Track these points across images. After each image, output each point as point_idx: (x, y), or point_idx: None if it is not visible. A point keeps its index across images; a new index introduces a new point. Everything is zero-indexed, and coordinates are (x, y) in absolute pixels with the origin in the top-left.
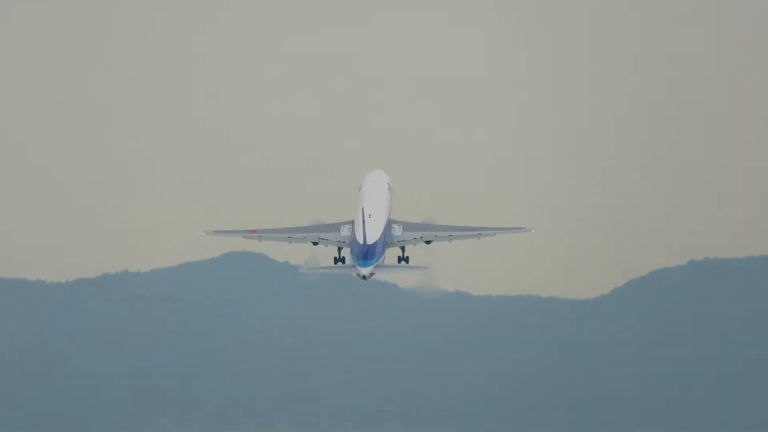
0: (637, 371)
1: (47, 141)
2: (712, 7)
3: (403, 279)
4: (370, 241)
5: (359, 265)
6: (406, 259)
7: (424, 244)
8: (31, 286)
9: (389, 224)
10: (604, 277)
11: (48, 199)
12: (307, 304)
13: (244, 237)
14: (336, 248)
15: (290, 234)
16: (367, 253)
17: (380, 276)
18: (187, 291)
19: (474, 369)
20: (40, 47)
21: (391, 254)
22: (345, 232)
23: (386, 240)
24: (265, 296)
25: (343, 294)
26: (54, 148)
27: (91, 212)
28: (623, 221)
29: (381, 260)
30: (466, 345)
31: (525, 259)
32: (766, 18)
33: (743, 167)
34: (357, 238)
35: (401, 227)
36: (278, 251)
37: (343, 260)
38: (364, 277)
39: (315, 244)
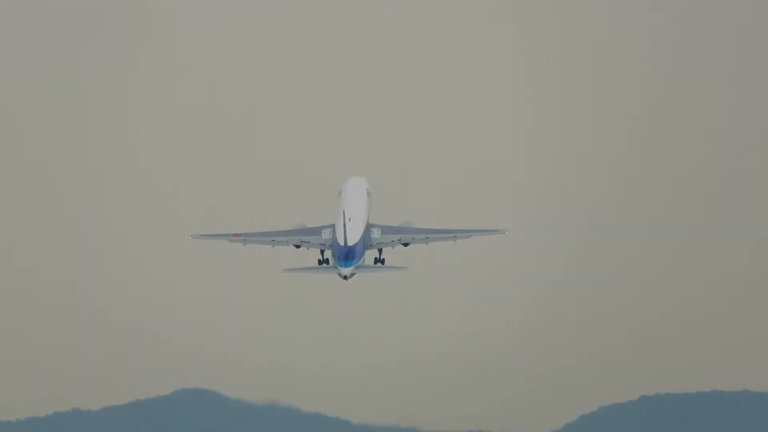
0: None
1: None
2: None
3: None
4: (350, 242)
5: (341, 266)
6: (382, 261)
7: (402, 246)
8: None
9: (368, 227)
10: (554, 412)
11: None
12: None
13: (229, 240)
14: (319, 251)
15: (273, 237)
16: (348, 254)
17: (359, 281)
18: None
19: None
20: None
21: (369, 256)
22: (326, 235)
23: (366, 242)
24: None
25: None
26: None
27: (42, 342)
28: (572, 353)
29: (361, 261)
30: None
31: (475, 392)
32: None
33: (693, 302)
34: (338, 240)
35: (380, 230)
36: (231, 388)
37: (327, 261)
38: (345, 277)
39: (297, 247)
